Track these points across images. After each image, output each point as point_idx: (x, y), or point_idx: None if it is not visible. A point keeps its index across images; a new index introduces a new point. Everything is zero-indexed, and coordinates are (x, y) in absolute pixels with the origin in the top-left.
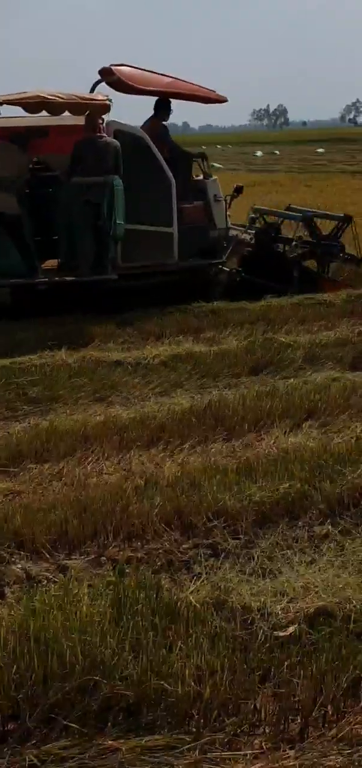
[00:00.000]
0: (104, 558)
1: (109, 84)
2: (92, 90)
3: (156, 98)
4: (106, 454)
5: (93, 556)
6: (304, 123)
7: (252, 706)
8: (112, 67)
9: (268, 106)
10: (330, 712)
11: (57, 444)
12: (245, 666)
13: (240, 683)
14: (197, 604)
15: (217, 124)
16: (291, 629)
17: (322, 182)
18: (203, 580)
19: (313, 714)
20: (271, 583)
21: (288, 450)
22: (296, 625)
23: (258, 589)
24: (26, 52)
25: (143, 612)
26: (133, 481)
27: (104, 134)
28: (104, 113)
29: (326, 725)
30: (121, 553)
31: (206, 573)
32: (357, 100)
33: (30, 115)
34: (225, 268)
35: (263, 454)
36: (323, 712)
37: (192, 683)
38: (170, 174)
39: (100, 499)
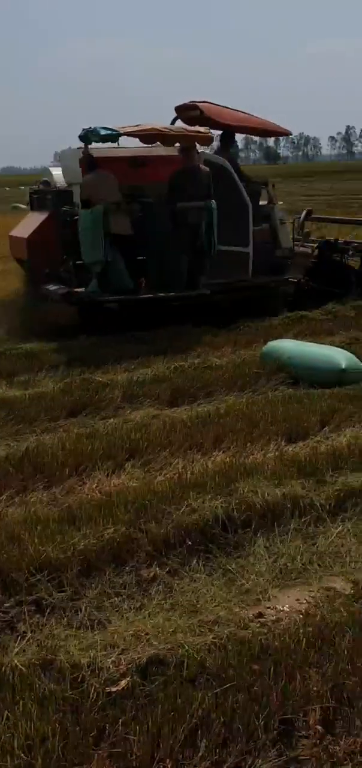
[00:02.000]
0: None
1: (187, 119)
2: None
3: (222, 131)
4: None
5: None
6: None
7: None
8: (196, 103)
9: None
10: (169, 766)
11: None
12: (78, 728)
13: (74, 747)
14: (23, 668)
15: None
16: (123, 683)
17: None
18: (28, 640)
19: None
20: (101, 635)
21: (111, 493)
22: (128, 678)
23: (87, 643)
24: None
25: None
26: None
27: (199, 163)
28: (209, 144)
29: None
30: None
31: (32, 631)
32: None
33: (144, 145)
34: (292, 280)
35: (86, 500)
36: (162, 767)
37: (22, 754)
38: (248, 199)
39: None
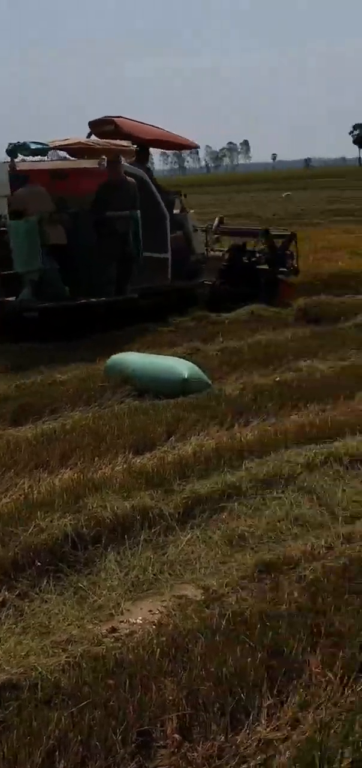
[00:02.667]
0: None
1: (101, 134)
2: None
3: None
4: None
5: None
6: None
7: None
8: (111, 118)
9: None
10: None
11: None
12: None
13: None
14: None
15: None
16: None
17: None
18: None
19: None
20: None
21: None
22: None
23: None
24: None
25: None
26: None
27: (124, 175)
28: (132, 157)
29: None
30: None
31: None
32: None
33: (72, 158)
34: (207, 283)
35: None
36: None
37: None
38: (165, 208)
39: None
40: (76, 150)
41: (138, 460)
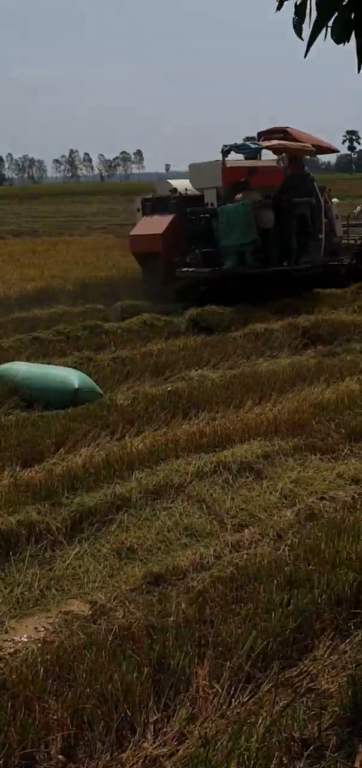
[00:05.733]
0: None
1: (271, 140)
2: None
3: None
4: None
5: None
6: None
7: None
8: (281, 128)
9: None
10: None
11: None
12: None
13: None
14: None
15: None
16: None
17: None
18: None
19: None
20: None
21: None
22: None
23: None
24: None
25: None
26: None
27: (305, 169)
28: (314, 156)
29: None
30: None
31: None
32: None
33: (273, 157)
34: (344, 263)
35: None
36: None
37: None
38: (321, 198)
39: None
40: (278, 149)
41: (25, 473)
